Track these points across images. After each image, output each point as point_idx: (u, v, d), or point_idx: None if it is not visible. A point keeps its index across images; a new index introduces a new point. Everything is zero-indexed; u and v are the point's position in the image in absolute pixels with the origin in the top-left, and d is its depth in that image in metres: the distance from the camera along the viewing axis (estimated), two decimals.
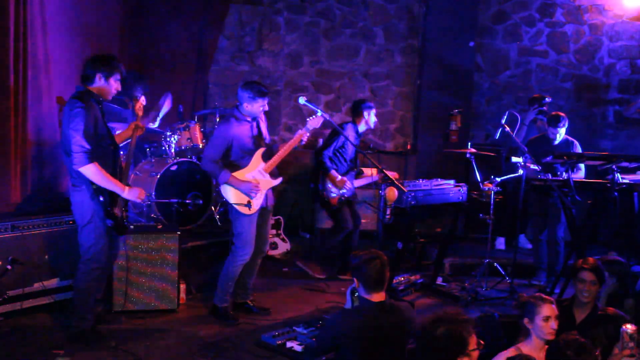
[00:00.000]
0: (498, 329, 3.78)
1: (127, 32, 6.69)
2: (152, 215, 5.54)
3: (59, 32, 5.45)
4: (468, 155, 5.88)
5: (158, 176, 5.55)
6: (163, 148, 6.00)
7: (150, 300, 4.74)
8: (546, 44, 8.16)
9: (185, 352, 4.08)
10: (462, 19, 7.70)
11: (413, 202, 5.16)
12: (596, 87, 8.14)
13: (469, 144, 6.22)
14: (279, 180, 4.74)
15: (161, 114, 6.20)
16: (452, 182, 5.70)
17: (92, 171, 3.76)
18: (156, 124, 6.13)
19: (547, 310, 3.16)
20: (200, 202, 5.83)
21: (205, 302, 4.99)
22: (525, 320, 3.14)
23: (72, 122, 3.72)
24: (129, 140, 4.35)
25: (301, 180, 7.44)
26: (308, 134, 4.71)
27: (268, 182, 4.66)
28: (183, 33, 7.18)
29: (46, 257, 4.57)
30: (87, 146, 3.73)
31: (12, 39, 4.82)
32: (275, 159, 4.67)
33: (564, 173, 5.55)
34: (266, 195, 4.67)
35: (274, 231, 6.57)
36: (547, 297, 3.26)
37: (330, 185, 5.74)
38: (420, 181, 5.45)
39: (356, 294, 3.39)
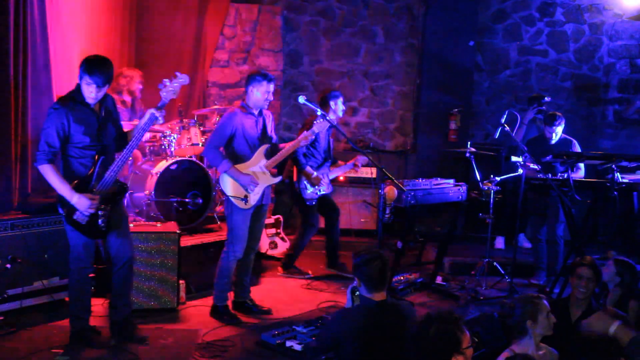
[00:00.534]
0: (498, 328, 3.78)
1: (127, 31, 6.69)
2: (152, 214, 5.54)
3: (59, 31, 5.44)
4: (468, 155, 5.88)
5: (158, 175, 5.55)
6: (162, 147, 6.00)
7: (150, 300, 4.74)
8: (546, 43, 8.17)
9: (184, 351, 4.08)
10: (462, 18, 7.70)
11: (413, 202, 5.17)
12: (596, 87, 8.14)
13: (469, 143, 6.21)
14: (278, 178, 4.76)
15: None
16: (451, 181, 5.70)
17: (45, 171, 3.77)
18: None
19: (546, 306, 3.19)
20: (200, 201, 5.82)
21: (205, 301, 4.99)
22: (529, 323, 3.12)
23: (44, 121, 3.82)
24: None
25: None
26: (313, 137, 4.80)
27: (267, 179, 4.67)
28: (183, 32, 7.18)
29: (45, 256, 4.57)
30: (47, 147, 3.76)
31: (12, 38, 4.81)
32: (278, 157, 4.70)
33: (564, 172, 5.55)
34: (263, 193, 4.68)
35: (273, 230, 6.57)
36: (538, 294, 3.31)
37: (305, 182, 5.67)
38: (420, 180, 5.45)
39: (357, 293, 3.39)
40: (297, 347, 3.99)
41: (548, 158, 5.42)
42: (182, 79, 4.04)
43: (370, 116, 8.32)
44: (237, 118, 4.55)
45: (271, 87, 4.61)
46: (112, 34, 6.47)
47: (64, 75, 5.44)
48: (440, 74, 7.77)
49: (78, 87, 3.84)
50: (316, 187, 5.68)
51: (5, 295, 4.30)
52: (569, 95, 8.18)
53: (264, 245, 6.29)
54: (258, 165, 4.64)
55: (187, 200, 5.72)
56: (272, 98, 4.68)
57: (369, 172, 7.35)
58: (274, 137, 4.82)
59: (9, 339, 4.06)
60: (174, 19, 7.07)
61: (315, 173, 5.63)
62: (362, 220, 7.20)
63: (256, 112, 4.64)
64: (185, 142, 6.08)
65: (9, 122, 4.83)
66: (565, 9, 8.08)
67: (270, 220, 6.51)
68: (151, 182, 5.53)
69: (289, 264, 5.96)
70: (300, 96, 4.84)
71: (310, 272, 6.00)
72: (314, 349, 3.47)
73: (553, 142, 5.89)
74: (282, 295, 5.42)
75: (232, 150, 4.57)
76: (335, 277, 5.95)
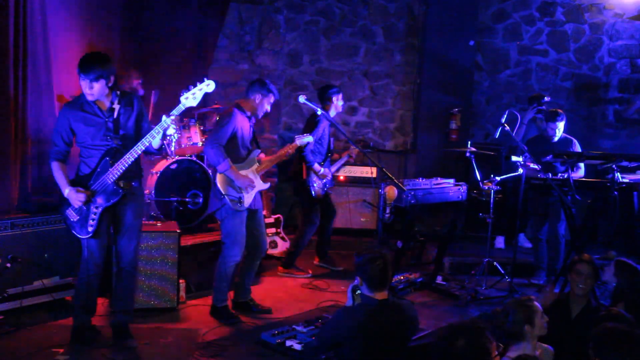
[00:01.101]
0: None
1: (127, 30, 6.68)
2: (152, 213, 5.54)
3: (59, 29, 5.44)
4: (468, 154, 5.88)
5: (158, 174, 5.55)
6: (163, 146, 5.99)
7: (150, 299, 4.74)
8: (546, 43, 8.16)
9: (185, 350, 4.08)
10: (462, 18, 7.70)
11: (413, 201, 5.17)
12: (596, 86, 8.14)
13: (469, 142, 6.21)
14: (267, 185, 4.80)
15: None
16: (451, 181, 5.70)
17: (51, 168, 3.91)
18: None
19: (538, 307, 3.18)
20: (200, 200, 5.83)
21: (205, 300, 4.99)
22: (527, 327, 3.11)
23: None
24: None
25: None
26: (293, 151, 4.97)
27: (259, 184, 4.70)
28: (183, 31, 7.17)
29: (46, 255, 4.57)
30: (53, 146, 3.92)
31: (12, 37, 4.81)
32: (267, 164, 4.80)
33: (564, 172, 5.54)
34: (255, 198, 4.68)
35: (273, 230, 6.57)
36: (528, 296, 3.29)
37: (314, 178, 5.81)
38: (420, 180, 5.45)
39: (357, 292, 3.40)
40: (297, 347, 3.99)
41: (548, 158, 5.41)
42: (208, 85, 3.93)
43: (370, 116, 8.32)
44: (238, 118, 4.55)
45: (273, 101, 4.74)
46: (112, 33, 6.47)
47: (65, 74, 5.43)
48: (440, 74, 7.77)
49: None
50: (323, 182, 5.83)
51: (6, 295, 4.30)
52: (569, 95, 8.17)
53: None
54: (251, 169, 4.65)
55: (187, 199, 5.72)
56: (269, 111, 4.79)
57: (369, 172, 7.36)
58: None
59: (9, 338, 4.06)
60: (175, 17, 7.06)
61: (322, 169, 5.80)
62: (362, 219, 7.20)
63: (251, 116, 4.67)
64: (185, 142, 6.08)
65: (8, 121, 4.83)
66: (566, 8, 8.08)
67: (270, 219, 6.51)
68: (151, 182, 5.54)
69: (289, 263, 5.98)
70: (301, 96, 4.87)
71: (310, 271, 6.01)
72: (314, 348, 3.48)
73: (555, 139, 5.88)
74: (282, 294, 5.42)
75: (230, 150, 4.56)
76: (335, 277, 5.96)
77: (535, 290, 5.71)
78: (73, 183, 3.87)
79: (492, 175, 5.77)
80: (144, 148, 3.86)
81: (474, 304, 5.33)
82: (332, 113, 5.90)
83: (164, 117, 3.86)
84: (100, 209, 3.88)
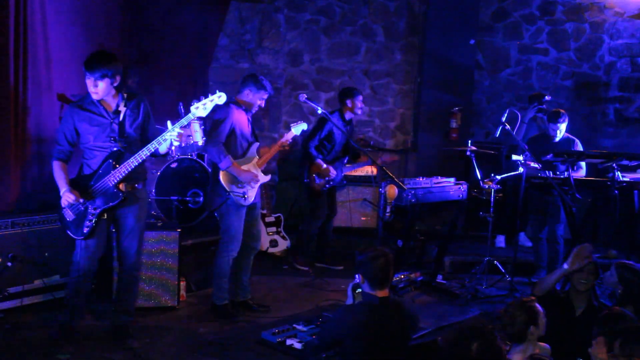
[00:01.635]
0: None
1: (128, 29, 6.68)
2: (152, 212, 5.53)
3: (60, 29, 5.43)
4: (468, 153, 5.88)
5: (158, 173, 5.55)
6: (169, 152, 5.99)
7: (150, 298, 4.74)
8: (547, 41, 8.16)
9: (185, 349, 4.08)
10: (462, 17, 7.69)
11: (413, 200, 5.16)
12: (596, 85, 8.13)
13: (469, 141, 6.20)
14: (268, 177, 4.81)
15: None
16: (452, 180, 5.70)
17: (52, 167, 3.89)
18: None
19: (539, 308, 3.18)
20: (201, 199, 5.83)
21: (205, 299, 4.99)
22: (532, 328, 3.12)
23: None
24: None
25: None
26: (291, 140, 4.97)
27: (262, 177, 4.71)
28: (183, 30, 7.17)
29: (46, 254, 4.57)
30: (56, 145, 3.91)
31: (12, 37, 4.81)
32: (266, 157, 4.80)
33: (564, 171, 5.54)
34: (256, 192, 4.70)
35: (274, 228, 6.58)
36: (528, 297, 3.30)
37: (315, 174, 5.94)
38: (421, 179, 5.45)
39: (358, 290, 3.40)
40: (298, 346, 3.99)
41: (549, 157, 5.41)
42: (219, 97, 3.94)
43: (370, 115, 8.31)
44: (234, 113, 4.55)
45: (266, 96, 4.71)
46: (113, 32, 6.46)
47: (65, 73, 5.43)
48: (440, 73, 7.77)
49: None
50: (326, 178, 5.94)
51: (6, 294, 4.30)
52: (570, 94, 8.17)
53: (264, 243, 6.30)
54: (252, 163, 4.65)
55: (187, 198, 5.72)
56: (264, 105, 4.75)
57: (370, 171, 7.35)
58: None
59: (9, 337, 4.06)
60: (175, 15, 7.06)
61: (324, 165, 5.90)
62: (362, 218, 7.19)
63: (247, 110, 4.68)
64: (185, 141, 6.07)
65: (8, 120, 4.83)
66: (566, 7, 8.07)
67: (270, 218, 6.52)
68: (152, 181, 5.53)
69: (320, 257, 6.18)
70: (301, 95, 4.85)
71: (310, 270, 6.02)
72: (316, 347, 3.48)
73: (557, 139, 5.87)
74: (281, 293, 5.42)
75: (230, 146, 4.57)
76: (335, 276, 5.96)
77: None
78: (73, 183, 3.85)
79: (492, 174, 5.77)
80: (149, 154, 3.82)
81: (474, 303, 5.33)
82: (348, 115, 6.07)
83: (169, 124, 3.85)
84: (98, 211, 3.85)
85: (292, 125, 5.02)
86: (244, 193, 4.52)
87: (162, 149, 3.88)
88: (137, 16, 6.78)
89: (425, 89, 7.87)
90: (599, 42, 8.06)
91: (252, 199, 4.61)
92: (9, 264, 4.23)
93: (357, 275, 3.38)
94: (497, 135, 6.02)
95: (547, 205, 5.88)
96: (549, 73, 8.18)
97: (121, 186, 3.85)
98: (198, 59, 7.47)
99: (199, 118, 6.27)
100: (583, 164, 5.77)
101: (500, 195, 5.91)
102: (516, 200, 5.71)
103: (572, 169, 5.43)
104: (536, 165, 5.47)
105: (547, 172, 5.42)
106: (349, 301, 3.49)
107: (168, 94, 6.38)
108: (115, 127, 3.85)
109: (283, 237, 6.63)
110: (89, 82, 3.76)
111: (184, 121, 3.86)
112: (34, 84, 5.05)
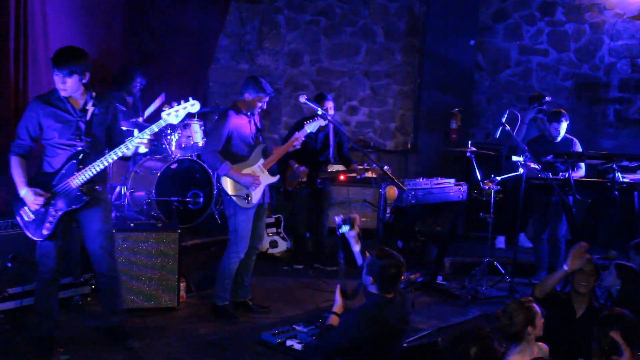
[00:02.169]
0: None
1: (128, 30, 6.69)
2: (153, 213, 5.54)
3: (60, 29, 5.44)
4: (468, 154, 5.88)
5: (158, 174, 5.55)
6: (163, 146, 6.00)
7: (150, 298, 4.74)
8: (547, 42, 8.16)
9: (185, 350, 4.08)
10: (462, 18, 7.70)
11: (413, 201, 5.17)
12: (596, 86, 8.13)
13: (469, 142, 6.20)
14: (276, 177, 4.77)
15: (151, 109, 6.24)
16: (452, 180, 5.70)
17: (10, 162, 3.73)
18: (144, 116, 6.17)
19: (537, 309, 3.18)
20: (201, 200, 5.83)
21: (205, 300, 4.99)
22: (530, 329, 3.12)
23: None
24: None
25: None
26: (303, 138, 4.86)
27: (267, 178, 4.69)
28: (184, 31, 7.18)
29: None
30: (16, 139, 3.73)
31: (12, 37, 4.82)
32: (274, 157, 4.74)
33: (566, 172, 5.53)
34: (264, 192, 4.69)
35: (274, 229, 6.58)
36: (526, 298, 3.29)
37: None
38: (421, 180, 5.45)
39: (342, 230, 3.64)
40: (298, 347, 3.98)
41: (549, 158, 5.41)
42: (192, 105, 3.81)
43: (370, 115, 8.32)
44: (231, 119, 4.54)
45: (267, 98, 4.65)
46: (113, 32, 6.47)
47: None
48: (440, 74, 7.77)
49: None
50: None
51: (6, 294, 4.30)
52: (570, 94, 8.17)
53: (264, 244, 6.29)
54: (257, 164, 4.65)
55: (187, 199, 5.72)
56: (265, 107, 4.72)
57: (370, 172, 7.34)
58: (260, 137, 4.86)
59: (9, 338, 4.05)
60: (176, 17, 7.07)
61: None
62: (362, 219, 7.17)
63: (248, 113, 4.66)
64: (185, 141, 6.08)
65: (10, 121, 4.83)
66: (566, 8, 8.07)
67: (270, 219, 6.52)
68: (152, 181, 5.54)
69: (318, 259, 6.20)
70: (301, 96, 4.85)
71: (310, 271, 6.03)
72: (328, 353, 3.42)
73: (558, 139, 5.87)
74: (282, 294, 5.42)
75: (230, 151, 4.57)
76: (335, 276, 5.95)
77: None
78: (32, 181, 3.70)
79: (492, 175, 5.77)
80: (116, 158, 3.74)
81: (474, 304, 5.33)
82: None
83: (135, 132, 3.81)
84: (60, 213, 3.72)
85: (306, 123, 4.92)
86: (247, 196, 4.52)
87: (129, 152, 3.79)
88: (138, 17, 6.80)
89: (426, 89, 7.88)
90: (599, 43, 8.07)
91: (256, 200, 4.60)
92: (9, 264, 4.24)
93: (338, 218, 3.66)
94: (497, 136, 6.02)
95: (548, 206, 5.87)
96: (549, 74, 8.18)
97: (84, 188, 3.73)
98: (198, 60, 7.48)
99: (199, 120, 6.31)
100: (582, 164, 5.77)
101: (500, 196, 5.91)
102: (516, 201, 5.71)
103: (572, 170, 5.43)
104: (536, 166, 5.47)
105: (547, 173, 5.42)
106: (337, 302, 3.58)
107: (168, 94, 6.38)
108: (82, 125, 3.73)
109: (283, 238, 6.63)
110: (57, 78, 3.63)
111: (154, 127, 3.75)
112: (35, 84, 5.06)
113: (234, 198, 4.50)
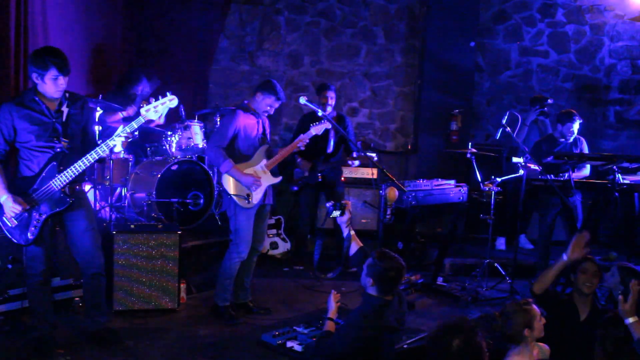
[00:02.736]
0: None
1: (128, 31, 6.70)
2: (153, 214, 5.54)
3: (61, 30, 5.45)
4: (469, 156, 5.88)
5: (159, 175, 5.55)
6: (164, 147, 6.00)
7: (151, 300, 4.73)
8: (547, 44, 8.17)
9: (185, 351, 4.08)
10: (463, 19, 7.69)
11: (413, 202, 5.17)
12: (597, 88, 8.14)
13: (470, 144, 6.21)
14: (279, 179, 4.77)
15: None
16: (452, 182, 5.70)
17: None
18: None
19: (536, 310, 3.17)
20: (201, 201, 5.83)
21: (206, 301, 4.99)
22: (526, 331, 3.11)
23: None
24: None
25: None
26: (307, 140, 4.83)
27: (269, 179, 4.69)
28: (184, 32, 7.19)
29: None
30: None
31: (12, 37, 4.82)
32: (277, 158, 4.74)
33: (570, 172, 5.51)
34: (265, 192, 4.68)
35: (274, 231, 6.58)
36: (526, 299, 3.27)
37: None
38: (421, 181, 5.45)
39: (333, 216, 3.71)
40: (298, 348, 3.98)
41: (549, 159, 5.41)
42: (170, 100, 3.78)
43: (371, 117, 8.32)
44: (239, 118, 4.56)
45: (277, 104, 4.68)
46: (113, 33, 6.48)
47: None
48: (441, 75, 7.76)
49: (33, 86, 3.67)
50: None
51: (7, 295, 4.30)
52: (570, 96, 8.17)
53: (264, 245, 6.28)
54: (259, 165, 4.65)
55: (188, 200, 5.72)
56: (272, 112, 4.73)
57: (370, 173, 7.35)
58: (268, 138, 4.85)
59: (9, 339, 4.05)
60: (176, 18, 7.07)
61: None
62: (362, 220, 7.19)
63: (257, 114, 4.67)
64: (186, 143, 6.08)
65: None
66: (566, 9, 8.08)
67: (270, 220, 6.51)
68: (152, 183, 5.53)
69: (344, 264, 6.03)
70: (301, 97, 4.85)
71: (311, 272, 6.02)
72: (330, 357, 3.42)
73: (569, 140, 5.86)
74: (282, 295, 5.42)
75: (234, 150, 4.58)
76: (334, 278, 5.96)
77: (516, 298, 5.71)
78: (12, 186, 3.63)
79: (492, 177, 5.77)
80: (97, 157, 3.71)
81: (474, 305, 5.33)
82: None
83: (120, 127, 3.77)
84: (43, 217, 3.69)
85: (312, 126, 4.90)
86: (248, 196, 4.53)
87: (107, 151, 3.78)
88: (138, 18, 6.81)
89: (426, 91, 7.87)
90: (599, 44, 8.07)
91: (257, 201, 4.60)
92: (9, 266, 4.23)
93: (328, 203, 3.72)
94: (498, 138, 6.02)
95: (555, 206, 5.81)
96: (550, 75, 8.18)
97: (66, 190, 3.72)
98: (198, 61, 7.49)
99: (200, 122, 6.31)
100: (588, 165, 5.75)
101: (501, 197, 5.91)
102: (516, 203, 5.70)
103: (573, 171, 5.43)
104: (536, 168, 5.47)
105: (550, 175, 5.41)
106: (330, 307, 3.60)
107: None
108: (58, 127, 3.70)
109: (283, 240, 6.63)
110: (63, 80, 3.61)
111: (134, 124, 3.75)
112: None
113: (234, 197, 4.51)
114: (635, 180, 5.53)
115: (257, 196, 4.59)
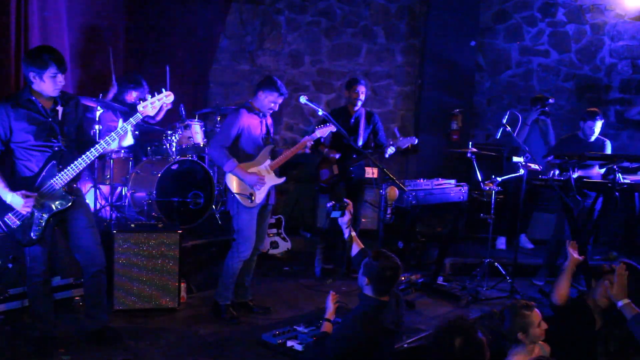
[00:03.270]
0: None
1: (129, 31, 6.70)
2: (153, 214, 5.54)
3: (61, 30, 5.45)
4: (469, 155, 5.87)
5: (159, 175, 5.55)
6: (164, 147, 6.00)
7: (151, 299, 4.74)
8: (548, 43, 8.16)
9: (185, 350, 4.08)
10: (463, 19, 7.70)
11: (414, 202, 5.16)
12: (597, 87, 8.13)
13: (470, 143, 6.20)
14: (282, 179, 4.77)
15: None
16: (453, 181, 5.69)
17: None
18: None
19: (537, 316, 3.14)
20: (201, 201, 5.83)
21: (206, 301, 4.99)
22: (520, 335, 3.09)
23: None
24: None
25: (302, 180, 7.46)
26: (313, 142, 4.84)
27: (272, 179, 4.69)
28: (185, 32, 7.19)
29: None
30: None
31: (13, 37, 4.82)
32: (282, 159, 4.74)
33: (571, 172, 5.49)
34: (268, 193, 4.69)
35: (274, 230, 6.58)
36: (528, 303, 3.21)
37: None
38: (421, 181, 5.45)
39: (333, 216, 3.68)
40: (298, 347, 3.99)
41: (549, 158, 5.41)
42: (167, 96, 3.80)
43: None
44: (243, 118, 4.55)
45: (280, 100, 4.64)
46: (114, 33, 6.48)
47: (67, 73, 5.43)
48: (441, 74, 7.77)
49: (27, 85, 3.65)
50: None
51: (7, 295, 4.30)
52: (571, 95, 8.17)
53: (265, 245, 6.29)
54: (263, 165, 4.66)
55: (188, 200, 5.72)
56: (276, 109, 4.70)
57: (370, 172, 7.35)
58: (271, 139, 4.85)
59: (10, 338, 4.06)
60: (177, 17, 7.07)
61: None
62: (363, 220, 7.19)
63: (261, 113, 4.66)
64: (186, 142, 6.08)
65: None
66: (567, 9, 8.07)
67: (271, 220, 6.51)
68: (152, 182, 5.53)
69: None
70: (302, 96, 4.85)
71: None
72: (326, 357, 3.40)
73: (592, 139, 5.85)
74: (282, 294, 5.42)
75: (238, 150, 4.58)
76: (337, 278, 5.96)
77: (537, 290, 5.71)
78: (13, 187, 3.59)
79: (493, 176, 5.77)
80: (97, 154, 3.72)
81: (475, 305, 5.33)
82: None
83: (120, 122, 3.77)
84: (46, 216, 3.68)
85: (317, 128, 4.92)
86: (250, 195, 4.53)
87: (114, 146, 3.79)
88: (139, 17, 6.80)
89: (426, 90, 7.87)
90: (600, 44, 8.07)
91: (259, 200, 4.61)
92: (10, 265, 4.24)
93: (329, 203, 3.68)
94: (498, 137, 6.01)
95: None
96: (550, 75, 8.18)
97: (66, 188, 3.71)
98: (199, 60, 7.49)
99: (200, 121, 6.31)
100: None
101: (501, 197, 5.91)
102: (517, 202, 5.70)
103: (573, 170, 5.41)
104: (537, 167, 5.46)
105: (549, 174, 5.40)
106: (329, 308, 3.58)
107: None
108: (55, 126, 3.70)
109: (284, 239, 6.63)
110: (61, 77, 3.61)
111: (132, 120, 3.76)
112: None
113: (237, 196, 4.51)
114: (635, 180, 5.52)
115: (260, 196, 4.60)
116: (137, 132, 5.76)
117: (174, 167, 5.75)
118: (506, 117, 5.74)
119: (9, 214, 3.63)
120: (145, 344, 4.12)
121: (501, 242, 6.98)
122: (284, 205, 7.31)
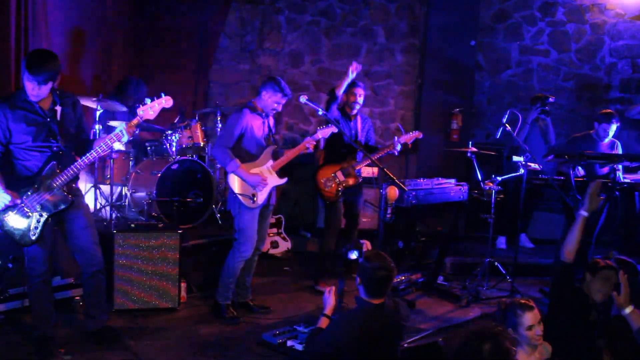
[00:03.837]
0: None
1: (130, 30, 6.70)
2: (153, 213, 5.54)
3: (62, 30, 5.45)
4: (469, 154, 5.87)
5: (159, 174, 5.55)
6: (164, 147, 6.00)
7: (151, 299, 4.74)
8: (547, 43, 8.16)
9: (185, 350, 4.08)
10: (463, 18, 7.69)
11: (414, 201, 5.16)
12: (597, 87, 8.13)
13: (470, 143, 6.21)
14: (284, 180, 4.77)
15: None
16: (453, 181, 5.69)
17: None
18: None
19: (530, 319, 3.09)
20: (201, 200, 5.83)
21: (206, 300, 4.99)
22: (510, 331, 3.07)
23: None
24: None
25: (302, 180, 7.44)
26: (314, 142, 4.83)
27: (274, 180, 4.69)
28: (184, 32, 7.19)
29: None
30: None
31: (13, 37, 4.83)
32: (284, 159, 4.74)
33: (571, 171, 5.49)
34: (270, 193, 4.69)
35: (275, 230, 6.58)
36: (528, 302, 3.16)
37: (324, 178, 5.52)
38: (421, 180, 5.45)
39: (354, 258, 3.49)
40: (298, 347, 3.99)
41: (550, 158, 5.41)
42: (166, 100, 3.81)
43: (371, 116, 8.30)
44: (246, 118, 4.55)
45: (284, 100, 4.62)
46: (115, 33, 6.48)
47: (67, 73, 5.45)
48: (441, 74, 7.76)
49: (24, 86, 3.63)
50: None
51: (7, 295, 4.30)
52: (571, 95, 8.17)
53: (265, 244, 6.29)
54: (266, 165, 4.66)
55: (188, 199, 5.72)
56: (280, 109, 4.69)
57: (371, 172, 7.35)
58: (273, 139, 4.84)
59: (10, 338, 4.06)
60: (177, 17, 7.08)
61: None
62: (363, 220, 7.19)
63: (263, 113, 4.66)
64: (186, 142, 6.08)
65: None
66: (567, 8, 8.07)
67: (271, 220, 6.50)
68: (152, 182, 5.54)
69: (316, 276, 5.66)
70: (302, 96, 4.85)
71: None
72: (314, 357, 3.36)
73: (606, 140, 5.83)
74: (282, 294, 5.42)
75: (241, 150, 4.58)
76: (338, 278, 5.95)
77: (537, 290, 5.71)
78: (11, 187, 3.60)
79: (493, 176, 5.77)
80: (97, 156, 3.71)
81: (475, 304, 5.33)
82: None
83: (121, 127, 3.73)
84: (45, 216, 3.68)
85: (319, 129, 4.91)
86: (253, 196, 4.53)
87: (115, 147, 3.77)
88: (140, 18, 6.81)
89: (426, 90, 7.87)
90: (600, 43, 8.06)
91: (261, 201, 4.61)
92: (10, 265, 4.24)
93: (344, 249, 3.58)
94: (498, 137, 6.01)
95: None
96: (550, 74, 8.18)
97: (65, 188, 3.71)
98: (199, 60, 7.49)
99: (191, 121, 6.31)
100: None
101: (501, 196, 5.91)
102: (517, 202, 5.70)
103: (573, 170, 5.41)
104: (537, 166, 5.46)
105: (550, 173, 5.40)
106: (328, 304, 3.48)
107: (169, 95, 6.38)
108: (54, 126, 3.69)
109: (284, 239, 6.64)
110: (31, 84, 3.53)
111: (132, 124, 3.76)
112: None
113: (239, 197, 4.51)
114: (635, 179, 5.53)
115: (262, 196, 4.60)
116: (137, 132, 5.75)
117: (174, 166, 5.75)
118: (506, 116, 5.74)
119: (8, 213, 3.63)
120: (145, 343, 4.12)
121: (501, 242, 6.98)
122: (283, 205, 7.30)
